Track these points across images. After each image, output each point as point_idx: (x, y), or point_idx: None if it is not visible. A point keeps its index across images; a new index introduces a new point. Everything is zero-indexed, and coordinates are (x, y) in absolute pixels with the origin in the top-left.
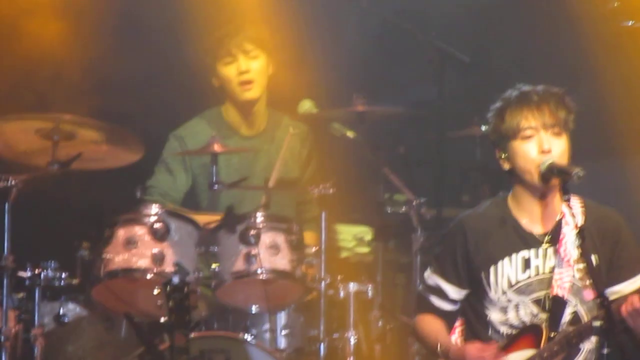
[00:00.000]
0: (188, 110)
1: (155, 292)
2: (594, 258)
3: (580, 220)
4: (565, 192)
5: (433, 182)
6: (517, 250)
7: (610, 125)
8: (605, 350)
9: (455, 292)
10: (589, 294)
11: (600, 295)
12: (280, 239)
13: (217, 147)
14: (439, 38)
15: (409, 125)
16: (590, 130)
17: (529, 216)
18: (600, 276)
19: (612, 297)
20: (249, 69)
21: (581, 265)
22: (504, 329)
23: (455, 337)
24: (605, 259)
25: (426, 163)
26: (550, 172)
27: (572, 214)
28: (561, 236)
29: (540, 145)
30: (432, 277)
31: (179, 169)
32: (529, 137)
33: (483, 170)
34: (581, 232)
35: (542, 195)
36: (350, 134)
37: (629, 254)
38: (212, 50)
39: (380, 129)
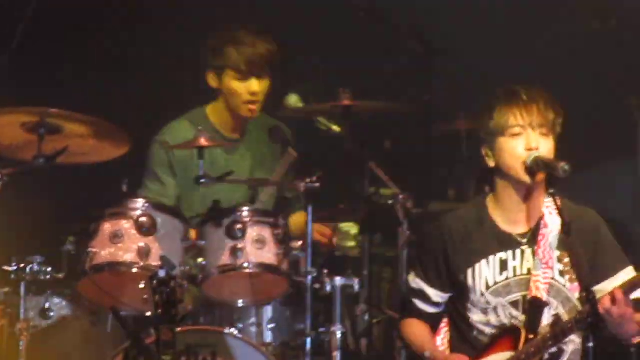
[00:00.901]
0: (174, 103)
1: (142, 286)
2: (568, 256)
3: (561, 216)
4: (551, 186)
5: (419, 177)
6: (494, 252)
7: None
8: (590, 344)
9: (438, 296)
10: (574, 289)
11: (585, 289)
12: (266, 233)
13: (203, 141)
14: (426, 33)
15: (395, 119)
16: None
17: (509, 217)
18: (585, 270)
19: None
20: (258, 91)
21: (562, 266)
22: (488, 330)
23: (442, 337)
24: (585, 258)
25: (412, 157)
26: (536, 166)
27: (551, 214)
28: (540, 237)
29: (528, 142)
30: (415, 281)
31: (166, 176)
32: (516, 134)
33: (469, 165)
34: (567, 227)
35: (526, 193)
36: (336, 128)
37: (608, 254)
38: (222, 59)
39: (366, 124)
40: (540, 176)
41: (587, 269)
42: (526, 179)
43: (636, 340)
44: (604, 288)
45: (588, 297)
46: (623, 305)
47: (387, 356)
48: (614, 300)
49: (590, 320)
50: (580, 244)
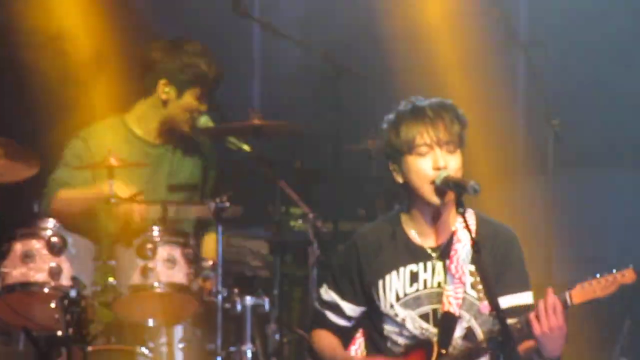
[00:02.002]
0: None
1: (53, 305)
2: (476, 269)
3: (472, 235)
4: (460, 205)
5: (329, 196)
6: (405, 264)
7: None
8: None
9: (351, 310)
10: (485, 308)
11: (496, 309)
12: (176, 252)
13: (113, 161)
14: (336, 52)
15: (304, 139)
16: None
17: (421, 230)
18: (494, 290)
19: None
20: (202, 109)
21: (473, 279)
22: (401, 340)
23: (356, 347)
24: (493, 272)
25: (322, 177)
26: (446, 185)
27: (465, 228)
28: (452, 252)
29: (436, 162)
30: (328, 293)
31: (78, 164)
32: (423, 153)
33: (379, 184)
34: (476, 246)
35: (435, 210)
36: (246, 147)
37: (515, 272)
38: (179, 71)
39: (276, 143)
40: (450, 196)
41: (493, 286)
42: (435, 200)
43: (558, 355)
44: (500, 303)
45: (498, 316)
46: (561, 315)
47: None
48: (554, 310)
49: (501, 339)
50: (490, 259)
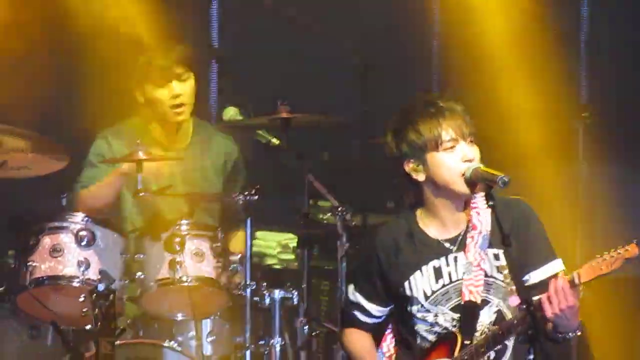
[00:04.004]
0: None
1: (81, 299)
2: (503, 254)
3: (503, 230)
4: (491, 198)
5: (358, 189)
6: (427, 262)
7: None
8: (531, 357)
9: (378, 311)
10: (514, 301)
11: (525, 301)
12: (204, 246)
13: (142, 155)
14: (363, 45)
15: (333, 132)
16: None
17: (438, 225)
18: (522, 280)
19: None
20: (180, 93)
21: (498, 263)
22: (431, 337)
23: (387, 343)
24: (516, 248)
25: (350, 170)
26: (476, 179)
27: (479, 214)
28: (468, 241)
29: (465, 155)
30: (354, 295)
31: (104, 167)
32: (450, 148)
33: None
34: (507, 239)
35: (460, 203)
36: (275, 140)
37: (537, 245)
38: (140, 72)
39: (305, 136)
40: (479, 187)
41: (517, 265)
42: (466, 191)
43: (577, 333)
44: (531, 278)
45: (528, 310)
46: (571, 296)
47: None
48: (564, 292)
49: (531, 332)
50: (514, 240)
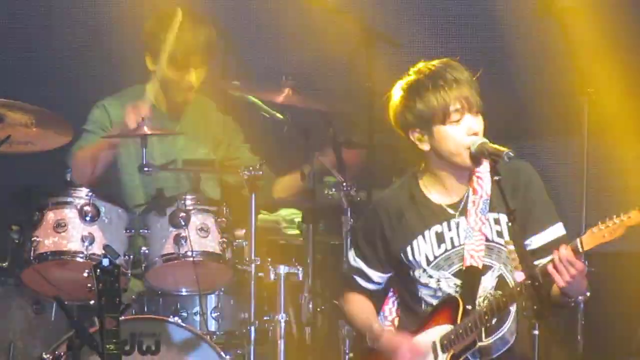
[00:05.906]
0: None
1: (85, 275)
2: (504, 218)
3: (507, 204)
4: (496, 173)
5: (363, 164)
6: (429, 226)
7: (522, 109)
8: (536, 332)
9: (378, 277)
10: (519, 276)
11: (530, 277)
12: (209, 221)
13: (147, 129)
14: (370, 20)
15: (337, 107)
16: (502, 112)
17: (441, 190)
18: (527, 257)
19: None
20: (194, 80)
21: (499, 227)
22: (434, 302)
23: (389, 307)
24: (518, 211)
25: (355, 144)
26: (482, 154)
27: (480, 178)
28: (469, 205)
29: (469, 128)
30: (355, 260)
31: (99, 130)
32: (456, 120)
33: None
34: (512, 215)
35: (464, 173)
36: (279, 115)
37: (539, 208)
38: (159, 44)
39: (310, 111)
40: (484, 162)
41: (519, 228)
42: (470, 165)
43: (585, 296)
44: (533, 243)
45: (533, 286)
46: (578, 262)
47: (332, 344)
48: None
49: (537, 307)
50: (513, 198)
